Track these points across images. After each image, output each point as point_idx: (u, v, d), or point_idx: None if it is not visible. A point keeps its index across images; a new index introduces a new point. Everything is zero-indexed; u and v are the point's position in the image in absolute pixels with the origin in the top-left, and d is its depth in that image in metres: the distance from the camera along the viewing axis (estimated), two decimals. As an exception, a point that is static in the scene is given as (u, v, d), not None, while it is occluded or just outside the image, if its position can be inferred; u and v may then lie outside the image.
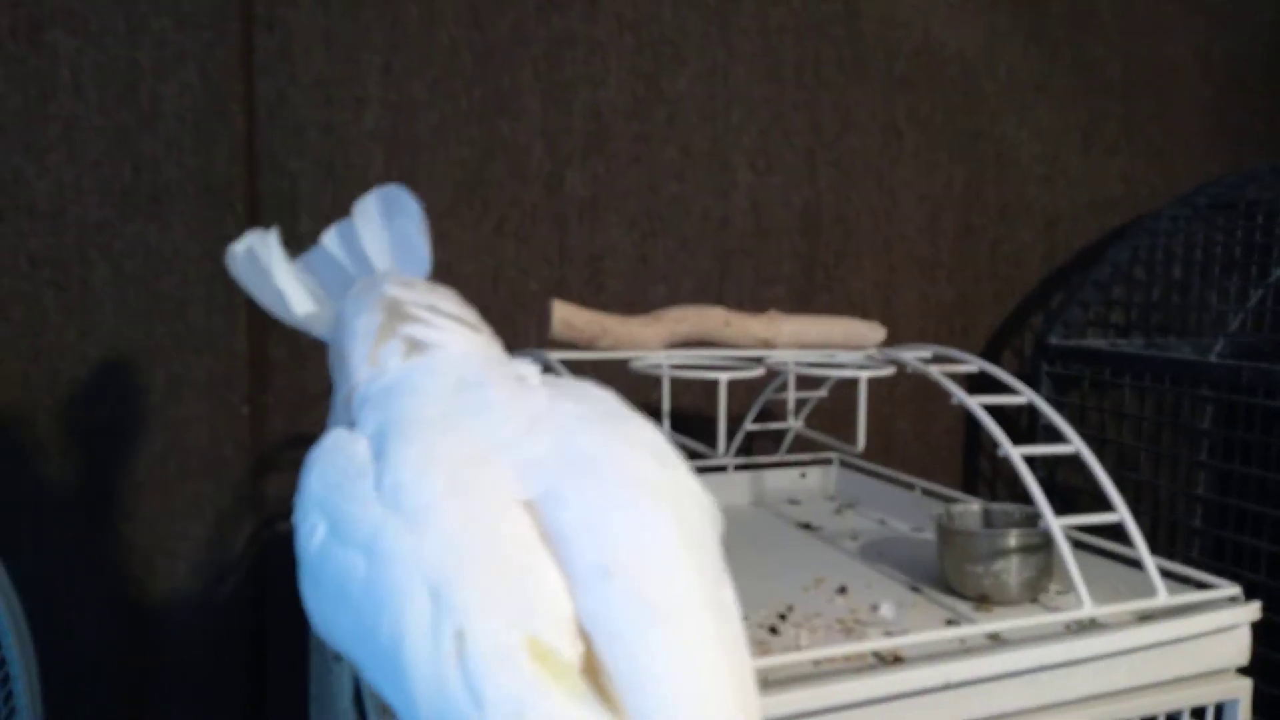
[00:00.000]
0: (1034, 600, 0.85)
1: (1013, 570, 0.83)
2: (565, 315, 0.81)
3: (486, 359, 0.46)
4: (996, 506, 0.92)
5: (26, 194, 1.04)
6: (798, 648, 0.76)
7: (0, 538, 0.83)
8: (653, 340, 0.84)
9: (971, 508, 0.94)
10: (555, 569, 0.35)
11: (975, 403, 0.78)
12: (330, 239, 0.65)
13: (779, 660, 0.69)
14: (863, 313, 1.42)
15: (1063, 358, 1.44)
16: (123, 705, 1.10)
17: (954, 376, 0.90)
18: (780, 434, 1.23)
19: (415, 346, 0.48)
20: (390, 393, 0.44)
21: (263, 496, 1.15)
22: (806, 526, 1.12)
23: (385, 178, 1.17)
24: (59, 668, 0.89)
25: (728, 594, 0.39)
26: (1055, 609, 0.83)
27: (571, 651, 0.34)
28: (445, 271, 1.21)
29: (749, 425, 1.18)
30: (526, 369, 0.46)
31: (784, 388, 1.17)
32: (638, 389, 1.14)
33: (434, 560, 0.35)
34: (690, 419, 1.32)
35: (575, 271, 1.27)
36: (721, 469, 1.23)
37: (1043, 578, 0.84)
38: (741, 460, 1.23)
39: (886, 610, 0.83)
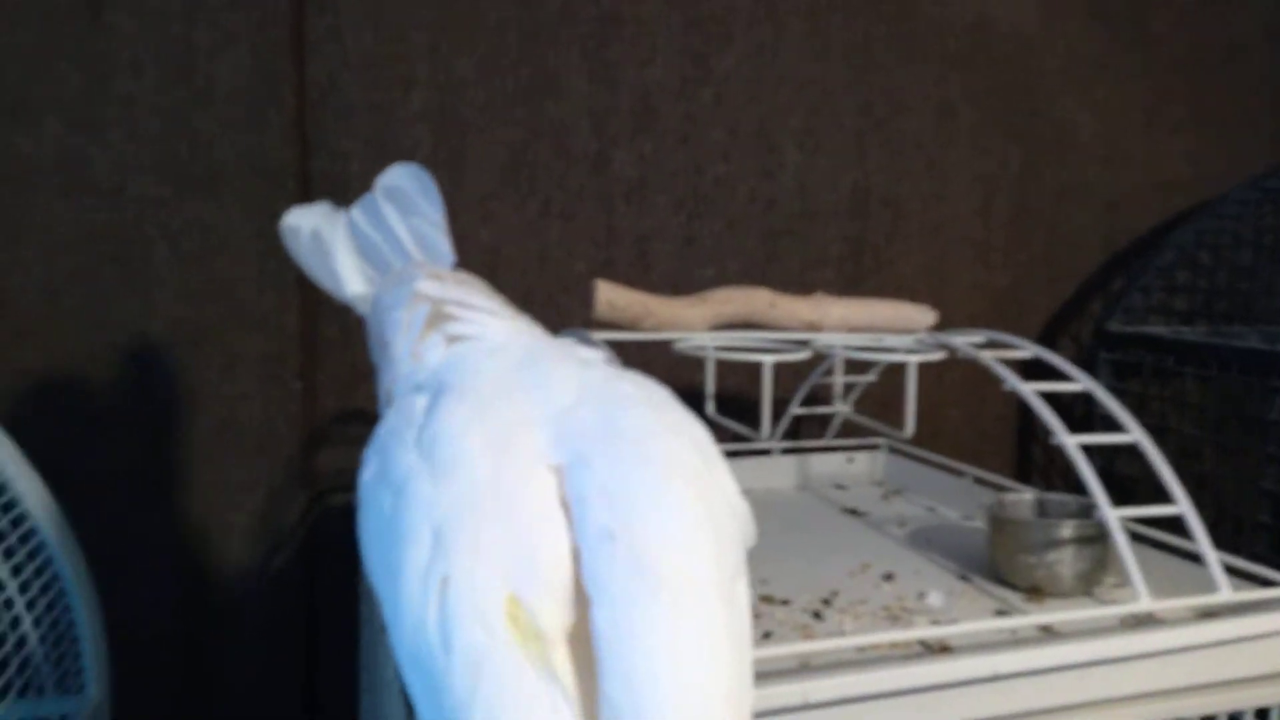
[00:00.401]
0: (1088, 594, 0.83)
1: (1067, 562, 0.81)
2: (609, 296, 0.81)
3: (542, 342, 0.47)
4: (1051, 496, 0.90)
5: (88, 171, 1.06)
6: (842, 633, 0.75)
7: (67, 508, 0.86)
8: (697, 322, 0.83)
9: (1024, 497, 0.92)
10: (567, 534, 0.36)
11: (1029, 389, 0.77)
12: (359, 216, 0.65)
13: (822, 645, 0.69)
14: (912, 297, 1.39)
15: (1123, 345, 1.40)
16: (180, 670, 1.13)
17: (1008, 363, 0.89)
18: (827, 418, 1.22)
19: (456, 340, 0.48)
20: (451, 369, 0.44)
21: (314, 471, 1.17)
22: (853, 512, 1.11)
23: (433, 159, 1.17)
24: (121, 633, 0.91)
25: (742, 589, 0.38)
26: (1110, 602, 0.81)
27: (553, 617, 0.34)
28: (491, 253, 1.22)
29: (797, 409, 1.16)
30: (589, 353, 0.47)
31: (831, 371, 1.16)
32: (681, 371, 1.14)
33: (446, 508, 0.36)
34: (735, 402, 1.32)
35: (622, 252, 1.26)
36: (766, 452, 1.22)
37: (1097, 570, 0.82)
38: (787, 444, 1.23)
39: (934, 598, 0.82)
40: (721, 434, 1.11)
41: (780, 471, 1.21)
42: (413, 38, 1.16)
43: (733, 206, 1.30)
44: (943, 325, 1.41)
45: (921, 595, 0.83)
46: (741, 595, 0.38)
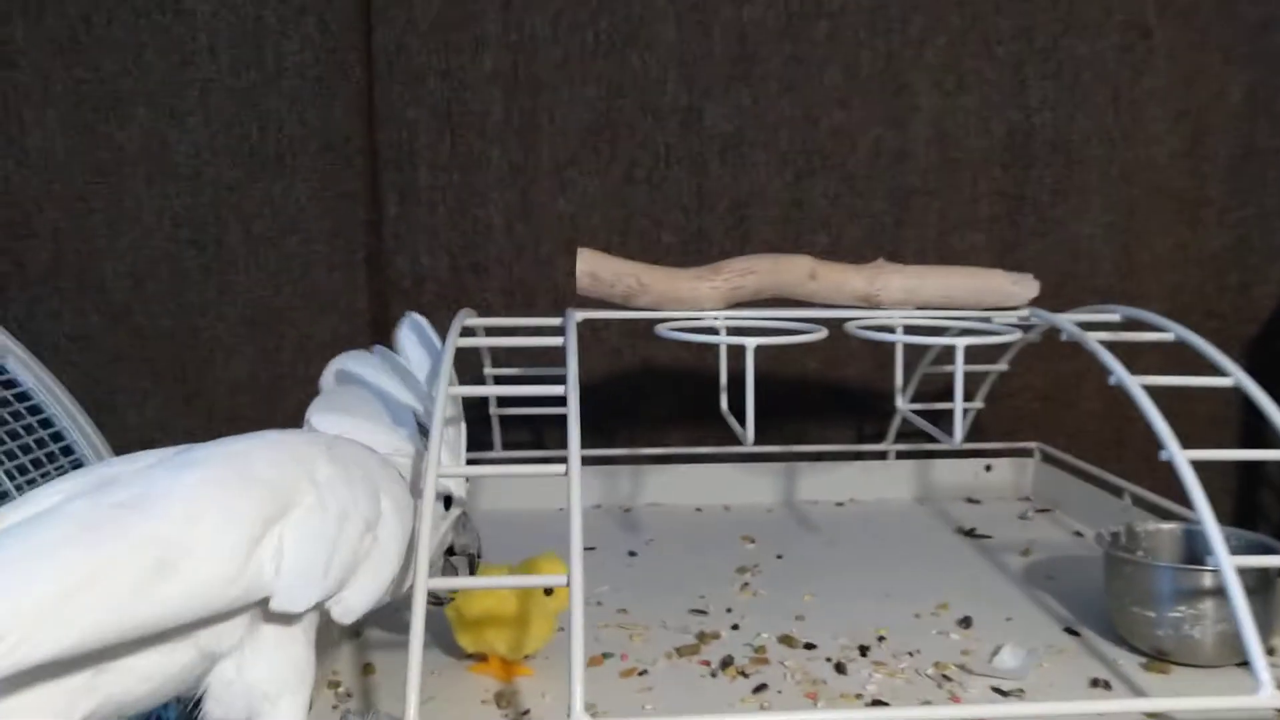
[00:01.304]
0: (1240, 664, 0.59)
1: (1207, 620, 0.59)
2: (591, 267, 0.67)
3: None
4: (1213, 530, 0.66)
5: (170, 157, 1.08)
6: (856, 696, 0.58)
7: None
8: (709, 298, 0.68)
9: (1165, 527, 0.68)
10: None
11: (1137, 384, 0.55)
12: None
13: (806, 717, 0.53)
14: (1090, 265, 1.13)
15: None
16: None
17: (1150, 348, 0.66)
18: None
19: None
20: None
21: (387, 458, 1.13)
22: (970, 533, 0.90)
23: (504, 123, 1.09)
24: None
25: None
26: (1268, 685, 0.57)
27: None
28: (569, 224, 1.12)
29: (908, 406, 0.96)
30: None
31: (945, 359, 0.95)
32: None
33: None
34: (809, 396, 1.13)
35: (715, 220, 1.11)
36: (881, 456, 1.03)
37: (1259, 634, 0.59)
38: (906, 447, 1.02)
39: (1007, 657, 0.62)
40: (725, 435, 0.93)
41: (895, 479, 1.01)
42: (483, -5, 1.07)
43: (852, 161, 1.11)
44: (1134, 301, 1.13)
45: (997, 650, 0.64)
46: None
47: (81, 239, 1.08)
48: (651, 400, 1.13)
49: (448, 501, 0.60)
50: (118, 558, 0.40)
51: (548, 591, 0.60)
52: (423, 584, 0.50)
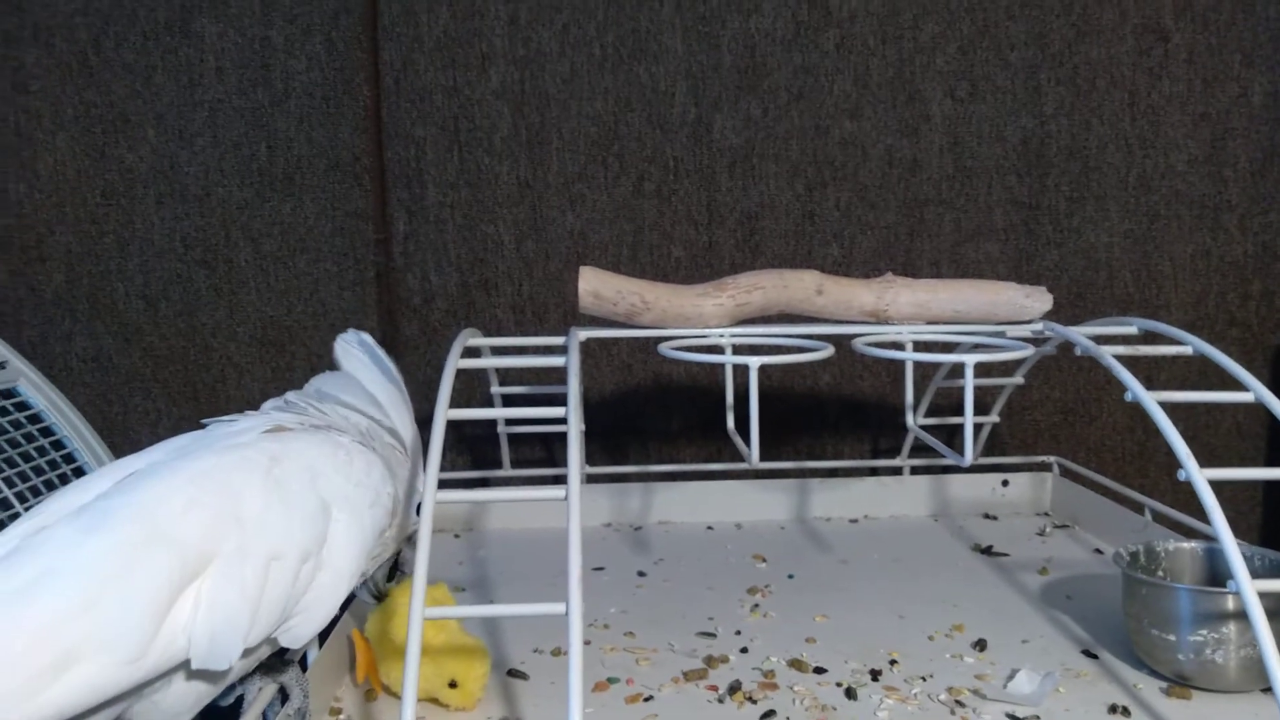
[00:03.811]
0: (1266, 690, 0.57)
1: (1230, 644, 0.56)
2: (594, 285, 0.66)
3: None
4: (1244, 550, 0.64)
5: (180, 178, 1.08)
6: (867, 730, 0.57)
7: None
8: (713, 315, 0.66)
9: (1186, 545, 0.66)
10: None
11: (1154, 400, 0.53)
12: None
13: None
14: (1108, 274, 1.10)
15: None
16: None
17: (1169, 361, 0.64)
18: (976, 429, 0.98)
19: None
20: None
21: (398, 476, 1.12)
22: (987, 551, 0.88)
23: (513, 138, 1.08)
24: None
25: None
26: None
27: None
28: (578, 239, 1.11)
29: (920, 420, 0.95)
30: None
31: (958, 373, 0.93)
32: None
33: None
34: (855, 413, 1.11)
35: (726, 233, 1.10)
36: (896, 471, 1.01)
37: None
38: (921, 462, 1.01)
39: (1023, 682, 0.60)
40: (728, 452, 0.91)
41: (910, 496, 0.99)
42: (490, 10, 1.07)
43: (864, 172, 1.09)
44: (1154, 311, 1.11)
45: (1013, 674, 0.62)
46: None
47: (93, 261, 1.08)
48: (663, 416, 1.12)
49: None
50: (12, 654, 0.38)
51: (452, 684, 0.58)
52: (419, 613, 0.49)
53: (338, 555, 0.50)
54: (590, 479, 1.00)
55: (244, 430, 0.53)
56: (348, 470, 0.53)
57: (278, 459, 0.50)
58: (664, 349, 0.65)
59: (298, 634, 0.48)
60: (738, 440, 0.65)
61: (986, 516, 0.98)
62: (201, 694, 0.48)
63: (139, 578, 0.43)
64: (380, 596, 0.61)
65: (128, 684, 0.42)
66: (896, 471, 1.01)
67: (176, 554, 0.44)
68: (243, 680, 0.52)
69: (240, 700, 0.52)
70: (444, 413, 0.57)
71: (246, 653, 0.47)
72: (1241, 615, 0.55)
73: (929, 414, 0.94)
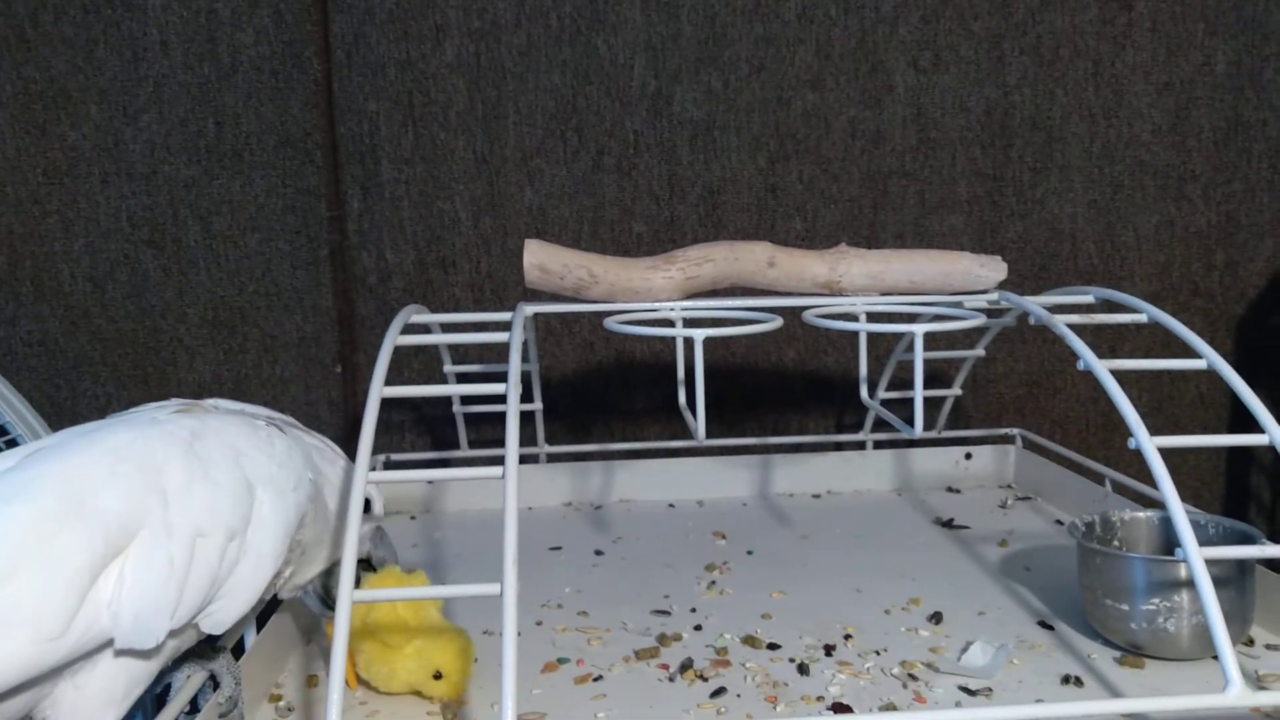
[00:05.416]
0: (1216, 658, 0.56)
1: (1182, 613, 0.56)
2: (539, 259, 0.64)
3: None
4: (1197, 518, 0.63)
5: (125, 156, 1.05)
6: (818, 699, 0.56)
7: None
8: (663, 288, 0.65)
9: (1142, 515, 0.65)
10: None
11: (1105, 369, 0.52)
12: None
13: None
14: (1072, 244, 1.10)
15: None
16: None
17: (1126, 329, 0.63)
18: (938, 402, 0.97)
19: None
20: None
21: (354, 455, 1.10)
22: (948, 524, 0.87)
23: (468, 112, 1.06)
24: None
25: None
26: (1252, 676, 0.54)
27: None
28: (537, 215, 1.09)
29: (883, 394, 0.93)
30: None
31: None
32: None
33: None
34: (821, 387, 1.10)
35: (688, 208, 1.08)
36: (860, 446, 1.00)
37: (1236, 627, 0.56)
38: (884, 436, 1.00)
39: (975, 654, 0.60)
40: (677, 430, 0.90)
41: (873, 470, 0.98)
42: (443, -19, 1.04)
43: (826, 144, 1.08)
44: (1119, 282, 1.11)
45: (966, 648, 0.61)
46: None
47: (37, 242, 1.05)
48: (625, 394, 1.10)
49: (366, 504, 0.58)
50: None
51: (437, 676, 0.57)
52: (347, 596, 0.47)
53: (262, 537, 0.48)
54: (551, 458, 0.99)
55: (155, 409, 0.51)
56: (269, 450, 0.51)
57: (198, 434, 0.48)
58: (610, 323, 0.63)
59: (219, 619, 0.47)
60: (687, 415, 0.63)
61: (950, 490, 0.97)
62: (131, 679, 0.46)
63: (59, 550, 0.41)
64: (331, 604, 0.59)
65: (49, 663, 0.40)
66: (860, 446, 1.01)
67: (99, 526, 0.42)
68: (172, 667, 0.51)
69: (168, 689, 0.51)
70: (379, 390, 0.56)
71: (173, 634, 0.45)
72: (1193, 584, 0.54)
73: (891, 387, 0.93)
